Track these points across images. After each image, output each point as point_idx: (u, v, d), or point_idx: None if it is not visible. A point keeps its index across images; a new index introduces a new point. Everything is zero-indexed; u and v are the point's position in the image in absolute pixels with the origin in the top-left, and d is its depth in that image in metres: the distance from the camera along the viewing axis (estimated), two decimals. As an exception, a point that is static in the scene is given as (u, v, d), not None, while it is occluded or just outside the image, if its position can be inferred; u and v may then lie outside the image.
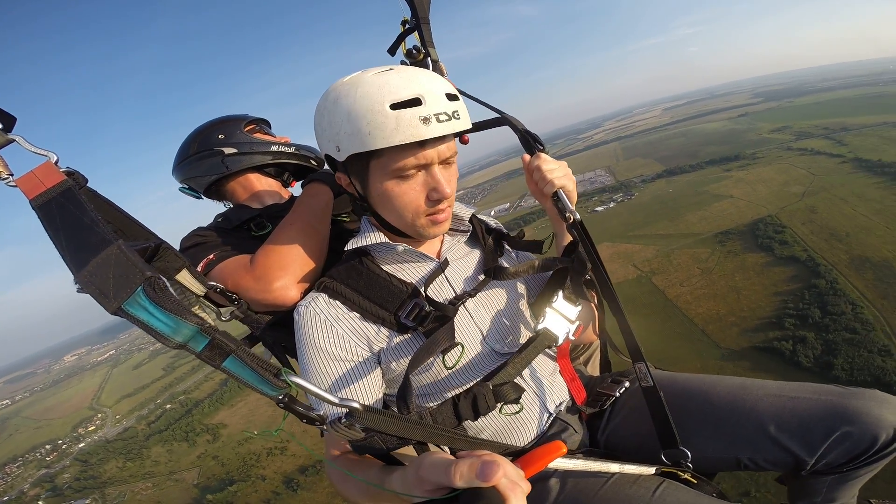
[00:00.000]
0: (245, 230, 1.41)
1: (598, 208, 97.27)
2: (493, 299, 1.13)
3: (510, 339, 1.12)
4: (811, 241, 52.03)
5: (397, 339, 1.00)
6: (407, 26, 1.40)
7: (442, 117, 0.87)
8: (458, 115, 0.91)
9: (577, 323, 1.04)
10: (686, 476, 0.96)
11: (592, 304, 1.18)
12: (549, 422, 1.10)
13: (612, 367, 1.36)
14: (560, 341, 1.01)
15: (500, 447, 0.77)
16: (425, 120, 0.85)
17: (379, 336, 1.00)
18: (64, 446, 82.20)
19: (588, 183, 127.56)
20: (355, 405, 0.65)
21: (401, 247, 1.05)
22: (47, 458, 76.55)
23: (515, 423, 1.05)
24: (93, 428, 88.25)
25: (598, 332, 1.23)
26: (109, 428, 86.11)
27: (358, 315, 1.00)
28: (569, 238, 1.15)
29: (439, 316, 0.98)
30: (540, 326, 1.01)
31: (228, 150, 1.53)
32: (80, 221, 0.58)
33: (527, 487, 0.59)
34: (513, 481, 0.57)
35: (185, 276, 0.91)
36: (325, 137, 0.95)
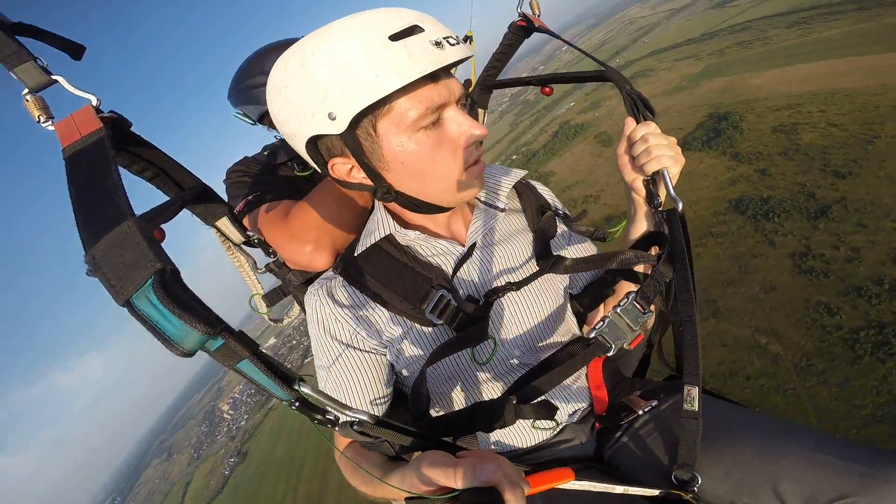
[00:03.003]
0: (289, 168, 1.47)
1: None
2: (532, 293, 1.03)
3: (539, 345, 1.04)
4: None
5: (418, 334, 0.94)
6: None
7: (451, 40, 0.75)
8: (461, 39, 0.79)
9: (638, 332, 0.85)
10: (688, 497, 0.93)
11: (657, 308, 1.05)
12: (559, 429, 1.06)
13: (648, 370, 1.31)
14: (612, 352, 0.83)
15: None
16: (438, 44, 0.73)
17: (396, 327, 0.94)
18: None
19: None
20: (364, 417, 0.66)
21: (412, 233, 0.95)
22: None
23: (521, 429, 1.03)
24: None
25: (650, 337, 1.14)
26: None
27: (374, 304, 0.94)
28: (646, 225, 1.04)
29: (468, 314, 0.90)
30: (593, 334, 0.82)
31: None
32: (101, 183, 0.53)
33: (527, 487, 0.61)
34: (513, 482, 0.58)
35: (224, 223, 0.94)
36: (301, 114, 0.76)
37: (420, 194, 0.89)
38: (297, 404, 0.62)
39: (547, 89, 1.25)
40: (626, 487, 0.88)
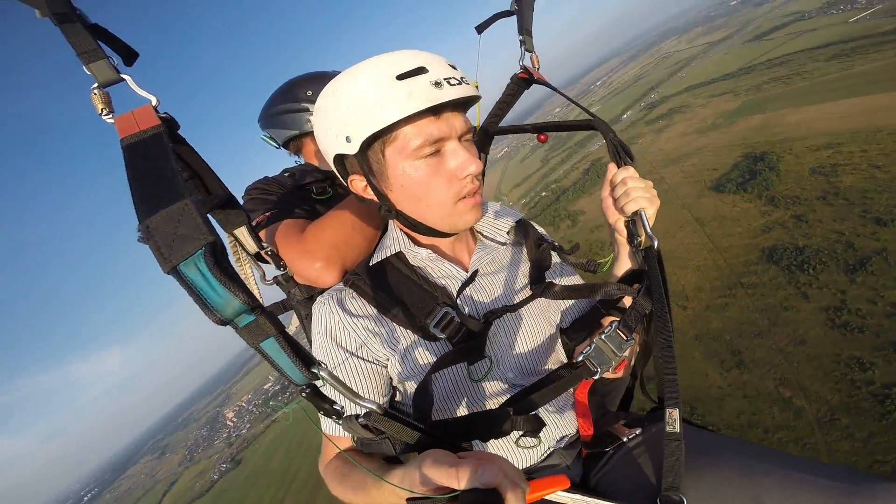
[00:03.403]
0: (307, 191, 1.49)
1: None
2: (527, 320, 1.11)
3: (536, 366, 1.10)
4: None
5: (420, 347, 0.99)
6: (508, 9, 1.35)
7: (452, 81, 0.88)
8: (465, 80, 0.91)
9: (622, 358, 0.93)
10: None
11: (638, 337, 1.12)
12: (546, 454, 1.09)
13: (632, 402, 1.34)
14: (598, 376, 0.91)
15: None
16: (437, 84, 0.85)
17: (401, 339, 0.99)
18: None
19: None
20: (374, 408, 0.70)
21: (424, 252, 1.04)
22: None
23: (510, 451, 1.06)
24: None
25: (633, 368, 1.21)
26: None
27: (381, 316, 1.00)
28: (629, 264, 1.14)
29: (469, 331, 0.98)
30: (580, 358, 0.90)
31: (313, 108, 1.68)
32: (161, 170, 0.59)
33: (527, 488, 0.62)
34: (513, 482, 0.59)
35: (242, 233, 0.98)
36: (331, 135, 0.92)
37: (417, 216, 0.99)
38: (308, 391, 0.66)
39: (542, 137, 1.36)
40: None
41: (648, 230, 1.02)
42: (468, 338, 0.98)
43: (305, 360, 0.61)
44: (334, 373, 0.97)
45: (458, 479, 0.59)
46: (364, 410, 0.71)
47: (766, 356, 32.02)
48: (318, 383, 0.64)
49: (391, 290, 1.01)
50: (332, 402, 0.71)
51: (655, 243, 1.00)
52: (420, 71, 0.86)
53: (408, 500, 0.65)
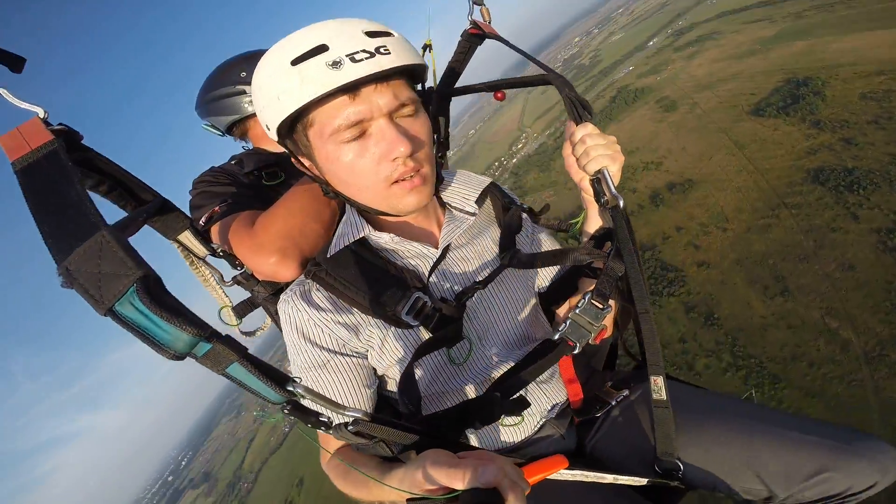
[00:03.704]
0: (257, 177, 1.44)
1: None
2: (503, 291, 1.07)
3: (519, 337, 1.08)
4: None
5: (396, 336, 0.94)
6: None
7: (359, 56, 0.76)
8: (384, 50, 0.79)
9: (600, 327, 0.92)
10: (675, 484, 0.98)
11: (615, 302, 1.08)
12: (539, 425, 1.08)
13: (616, 362, 1.36)
14: (578, 349, 0.91)
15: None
16: (335, 64, 0.75)
17: (373, 330, 0.94)
18: (504, 162, 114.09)
19: None
20: (360, 415, 0.68)
21: (386, 235, 0.96)
22: (495, 174, 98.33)
23: (501, 427, 1.05)
24: (521, 146, 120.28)
25: (613, 329, 1.18)
26: (531, 144, 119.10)
27: (350, 307, 0.94)
28: (599, 223, 1.07)
29: (444, 315, 0.92)
30: (557, 335, 0.91)
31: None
32: (64, 195, 0.52)
33: (526, 487, 0.62)
34: (513, 481, 0.59)
35: (187, 237, 0.94)
36: (261, 121, 0.88)
37: (353, 197, 0.92)
38: (288, 407, 0.63)
39: (499, 94, 1.29)
40: (616, 476, 0.92)
41: (613, 189, 0.95)
42: (443, 322, 0.93)
43: (277, 379, 0.58)
44: (314, 373, 0.94)
45: (458, 478, 0.59)
46: (351, 418, 0.69)
47: (812, 283, 30.98)
48: (307, 393, 0.61)
49: (357, 279, 0.94)
50: (318, 415, 0.68)
51: (621, 202, 0.95)
52: (319, 51, 0.76)
53: (408, 500, 0.65)
